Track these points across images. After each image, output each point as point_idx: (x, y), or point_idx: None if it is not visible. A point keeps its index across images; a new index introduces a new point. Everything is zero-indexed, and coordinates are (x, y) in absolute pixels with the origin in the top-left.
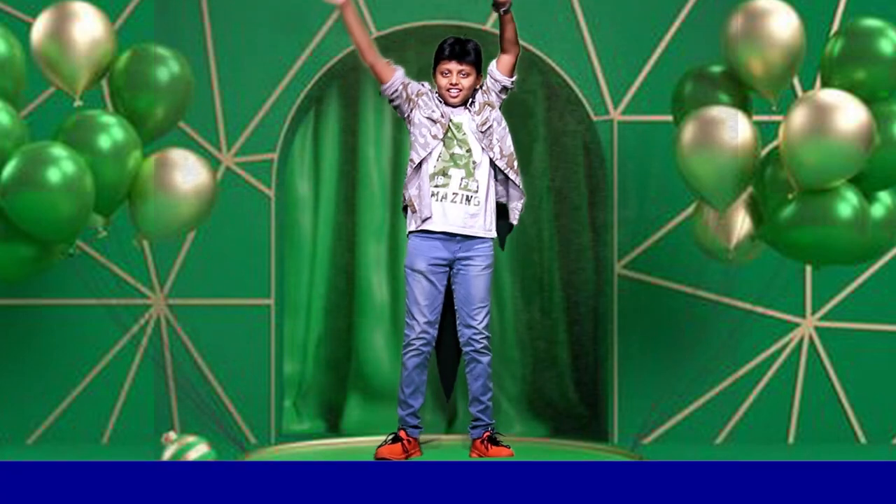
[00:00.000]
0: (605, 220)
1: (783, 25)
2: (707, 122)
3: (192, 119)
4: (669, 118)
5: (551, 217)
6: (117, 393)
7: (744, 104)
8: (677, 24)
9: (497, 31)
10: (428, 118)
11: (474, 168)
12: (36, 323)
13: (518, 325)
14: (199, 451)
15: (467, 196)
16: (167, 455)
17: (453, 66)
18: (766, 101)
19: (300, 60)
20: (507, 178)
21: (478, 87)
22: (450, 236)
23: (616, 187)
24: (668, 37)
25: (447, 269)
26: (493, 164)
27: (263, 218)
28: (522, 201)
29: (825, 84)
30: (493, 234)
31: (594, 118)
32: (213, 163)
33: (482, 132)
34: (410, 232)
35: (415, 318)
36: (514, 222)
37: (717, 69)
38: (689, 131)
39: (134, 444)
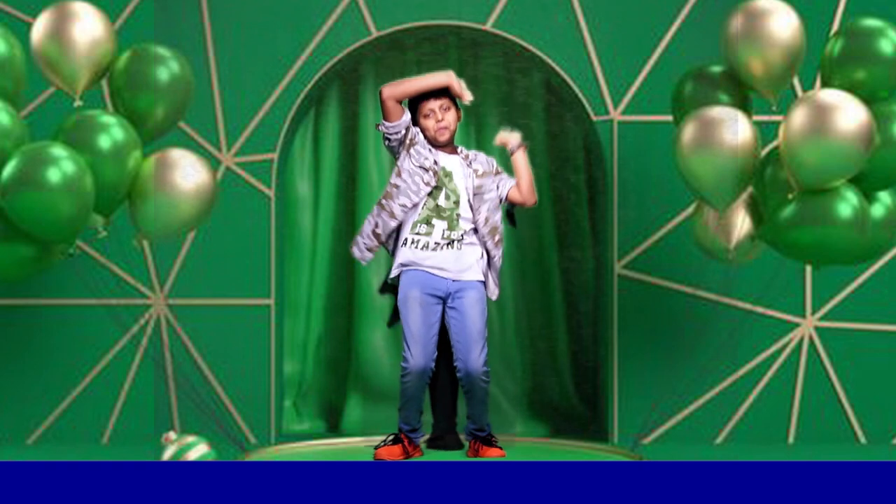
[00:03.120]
0: (605, 220)
1: (783, 25)
2: (707, 122)
3: (192, 119)
4: (669, 118)
5: (551, 217)
6: (117, 393)
7: (744, 104)
8: (677, 24)
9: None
10: (420, 167)
11: (458, 220)
12: (36, 323)
13: (518, 325)
14: (199, 451)
15: (449, 243)
16: (167, 455)
17: (433, 103)
18: (766, 101)
19: (300, 60)
20: (487, 252)
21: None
22: (440, 275)
23: (616, 187)
24: (668, 37)
25: (441, 302)
26: (475, 230)
27: (263, 218)
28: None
29: (825, 84)
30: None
31: (594, 118)
32: (213, 163)
33: (475, 194)
34: (401, 267)
35: (409, 350)
36: (493, 297)
37: (717, 69)
38: (689, 131)
39: (134, 444)
